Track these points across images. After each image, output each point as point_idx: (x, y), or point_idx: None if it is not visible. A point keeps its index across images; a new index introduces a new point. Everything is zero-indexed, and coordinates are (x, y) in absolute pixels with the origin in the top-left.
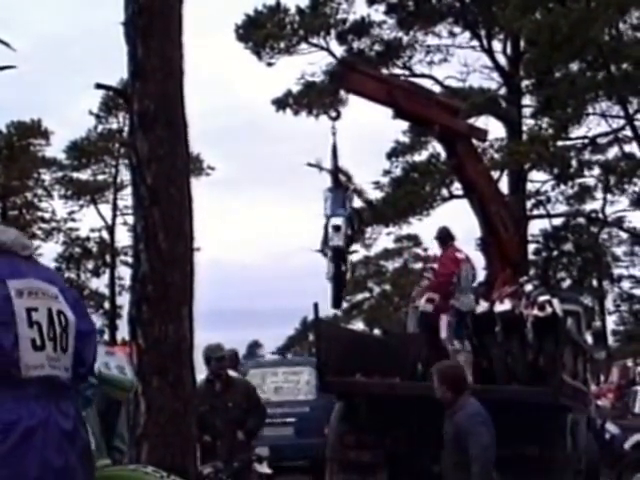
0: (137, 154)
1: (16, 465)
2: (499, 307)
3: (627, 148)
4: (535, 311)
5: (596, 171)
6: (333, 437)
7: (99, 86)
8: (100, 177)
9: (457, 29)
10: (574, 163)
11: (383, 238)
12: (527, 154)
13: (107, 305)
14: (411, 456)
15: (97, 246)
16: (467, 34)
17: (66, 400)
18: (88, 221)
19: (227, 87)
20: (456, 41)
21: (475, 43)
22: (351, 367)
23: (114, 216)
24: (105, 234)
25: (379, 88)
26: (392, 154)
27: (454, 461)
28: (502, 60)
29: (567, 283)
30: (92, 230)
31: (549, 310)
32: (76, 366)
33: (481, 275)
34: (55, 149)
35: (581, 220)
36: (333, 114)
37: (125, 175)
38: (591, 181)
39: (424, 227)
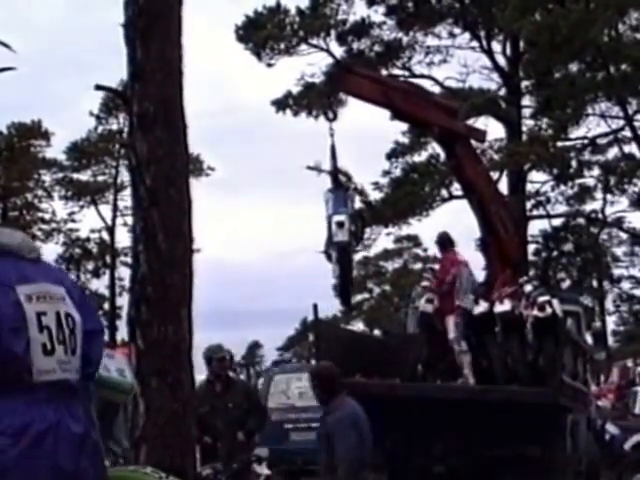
0: (136, 155)
1: (28, 469)
2: (499, 307)
3: (627, 149)
4: (535, 311)
5: (596, 171)
6: None
7: (98, 87)
8: (100, 178)
9: (457, 30)
10: (574, 163)
11: (383, 239)
12: (527, 155)
13: (107, 306)
14: (411, 457)
15: (97, 247)
16: (467, 35)
17: (76, 402)
18: (88, 222)
19: (227, 88)
20: (456, 42)
21: (475, 44)
22: (351, 368)
23: (114, 217)
24: (105, 235)
25: (376, 90)
26: (392, 155)
27: (326, 462)
28: (502, 61)
29: (567, 283)
30: (92, 231)
31: (549, 310)
32: (84, 366)
33: (481, 276)
34: (55, 150)
35: (581, 220)
36: (330, 115)
37: (125, 176)
38: (591, 181)
39: (424, 228)
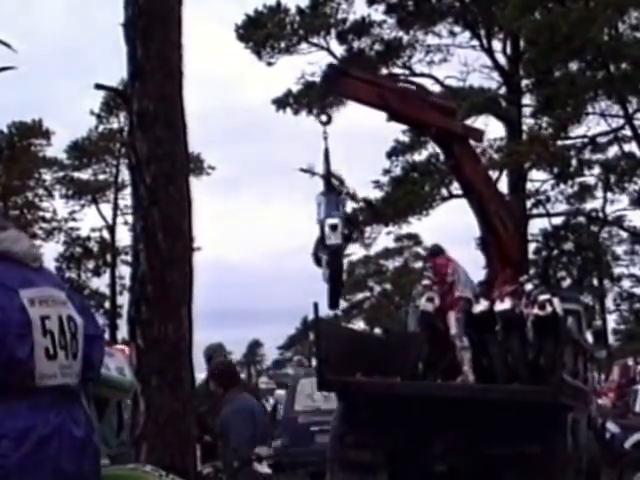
0: (136, 154)
1: (30, 474)
2: (499, 306)
3: (627, 147)
4: (535, 310)
5: (596, 170)
6: (333, 437)
7: (98, 86)
8: (101, 177)
9: (457, 29)
10: (574, 162)
11: (383, 237)
12: (526, 154)
13: (107, 305)
14: (411, 456)
15: (98, 246)
16: (467, 34)
17: (77, 406)
18: (89, 221)
19: (227, 87)
20: (456, 41)
21: (475, 43)
22: (351, 366)
23: (115, 216)
24: (106, 234)
25: (372, 92)
26: (392, 153)
27: (222, 452)
28: (502, 60)
29: (567, 282)
30: (93, 230)
31: (549, 309)
32: (85, 370)
33: (481, 274)
34: (56, 149)
35: (581, 219)
36: (324, 119)
37: (126, 175)
38: (591, 180)
39: (425, 226)
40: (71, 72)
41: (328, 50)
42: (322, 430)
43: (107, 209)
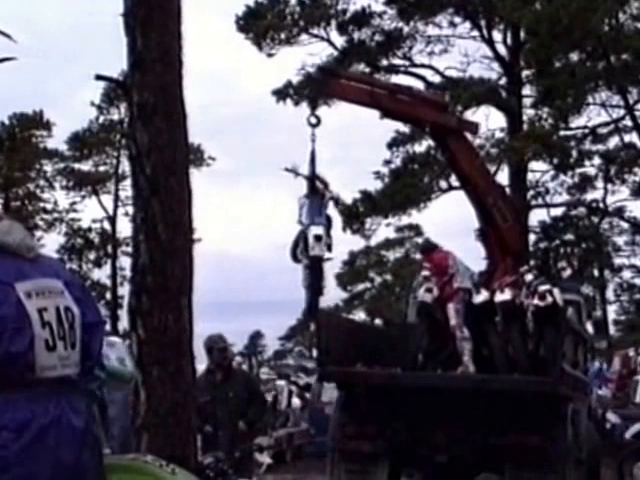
0: (136, 145)
1: (30, 464)
2: (499, 297)
3: (627, 138)
4: (536, 301)
5: (596, 161)
6: (334, 427)
7: (99, 77)
8: (102, 168)
9: (457, 19)
10: (574, 153)
11: (384, 228)
12: (525, 150)
13: (109, 296)
14: (412, 446)
15: (99, 237)
16: (467, 24)
17: (77, 396)
18: (90, 212)
19: (228, 78)
20: (456, 31)
21: (475, 33)
22: (352, 357)
23: (115, 207)
24: (107, 225)
25: (362, 92)
26: (392, 144)
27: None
28: (502, 50)
29: (568, 273)
30: (94, 221)
31: (550, 300)
32: (84, 360)
33: (482, 265)
34: (57, 140)
35: (582, 210)
36: (313, 121)
37: (126, 166)
38: (592, 171)
39: (426, 217)
40: (72, 63)
41: (328, 41)
42: None
43: (108, 200)
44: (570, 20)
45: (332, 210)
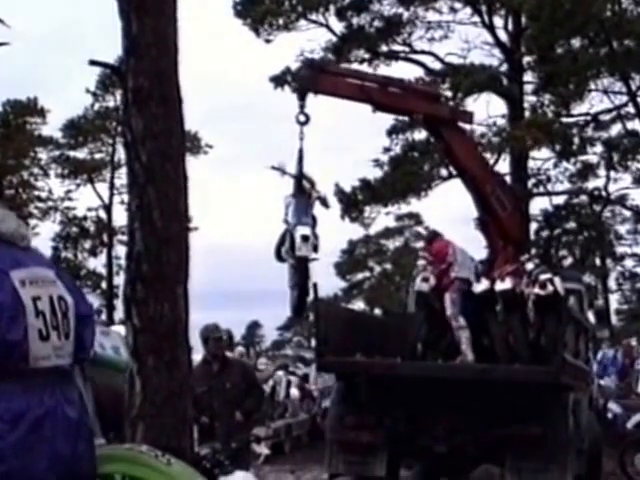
0: (131, 131)
1: (26, 456)
2: (500, 286)
3: (630, 125)
4: (537, 290)
5: (599, 148)
6: (333, 418)
7: (93, 62)
8: (97, 156)
9: (458, 5)
10: (576, 140)
11: (383, 217)
12: (525, 139)
13: (104, 285)
14: (411, 436)
15: (94, 225)
16: (468, 10)
17: (71, 387)
18: (85, 200)
19: (225, 64)
20: (457, 17)
21: (476, 19)
22: (351, 347)
23: (111, 195)
24: (102, 213)
25: (352, 86)
26: (392, 131)
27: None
28: (503, 36)
29: (569, 261)
30: (89, 209)
31: (550, 289)
32: (77, 350)
33: (483, 254)
34: (51, 127)
35: (584, 198)
36: (302, 119)
37: (122, 154)
38: (594, 158)
39: (426, 206)
40: (67, 49)
41: (327, 27)
42: None
43: (103, 188)
44: (572, 5)
45: (318, 208)
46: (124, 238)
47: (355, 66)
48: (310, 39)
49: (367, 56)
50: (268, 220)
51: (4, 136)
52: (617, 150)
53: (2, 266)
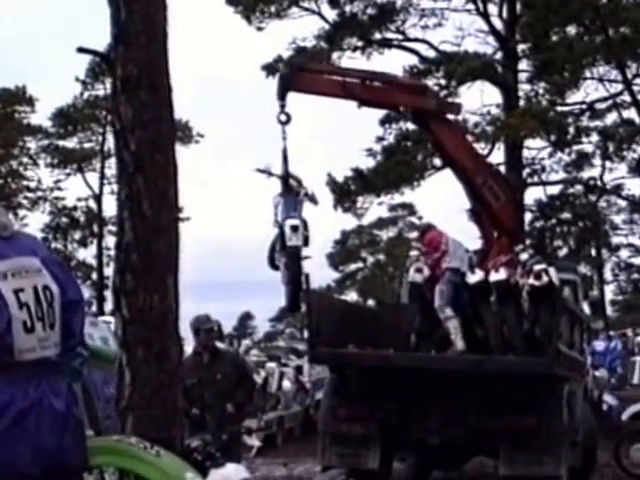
0: (120, 120)
1: (10, 448)
2: (494, 276)
3: (626, 114)
4: (531, 280)
5: (594, 137)
6: (325, 410)
7: (81, 50)
8: (87, 145)
9: None
10: (571, 130)
11: (377, 207)
12: (520, 128)
13: (95, 276)
14: (404, 428)
15: (84, 216)
16: None
17: (58, 378)
18: (75, 190)
19: (216, 52)
20: (451, 4)
21: (470, 6)
22: (343, 338)
23: (101, 185)
24: (92, 203)
25: (332, 84)
26: (385, 121)
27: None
28: (498, 24)
29: (564, 252)
30: (79, 199)
31: (545, 279)
32: (65, 339)
33: (477, 244)
34: (40, 116)
35: (579, 188)
36: (283, 118)
37: (112, 143)
38: (589, 148)
39: (419, 196)
40: (55, 37)
41: (319, 14)
42: None
43: (93, 178)
44: None
45: (307, 207)
46: (114, 228)
47: (348, 54)
48: (302, 27)
49: (360, 44)
50: (261, 211)
51: None
52: (613, 139)
53: None
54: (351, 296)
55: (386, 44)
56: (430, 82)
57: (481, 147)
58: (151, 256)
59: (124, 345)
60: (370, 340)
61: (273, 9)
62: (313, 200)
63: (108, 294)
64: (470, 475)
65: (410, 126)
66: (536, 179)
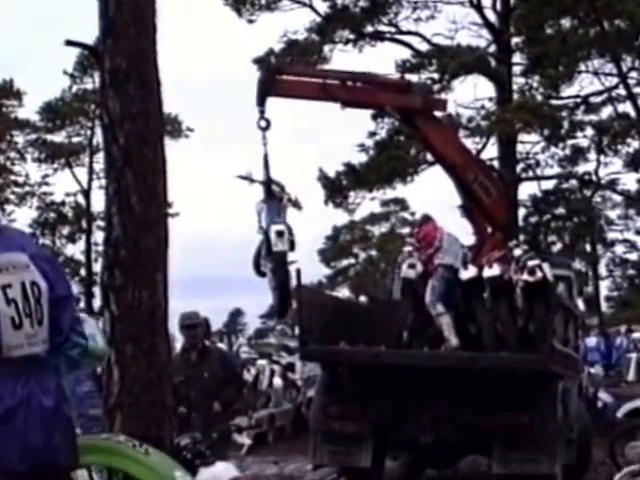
0: (108, 113)
1: None
2: (488, 272)
3: (621, 107)
4: (525, 276)
5: (589, 132)
6: (316, 408)
7: (69, 43)
8: (75, 139)
9: None
10: (566, 124)
11: (368, 202)
12: (514, 122)
13: (83, 272)
14: (397, 426)
15: (73, 211)
16: None
17: (47, 375)
18: (63, 185)
19: (206, 45)
20: None
21: None
22: (335, 335)
23: (90, 180)
24: (81, 199)
25: (312, 87)
26: (377, 115)
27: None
28: (492, 17)
29: (559, 247)
30: (67, 194)
31: (539, 275)
32: (53, 335)
33: (471, 240)
34: (28, 110)
35: (573, 183)
36: (263, 124)
37: (101, 137)
38: (584, 142)
39: (411, 191)
40: (43, 29)
41: (311, 7)
42: None
43: (82, 173)
44: None
45: (291, 210)
46: (103, 224)
47: (340, 47)
48: (294, 19)
49: (352, 37)
50: (251, 206)
51: None
52: (607, 133)
53: None
54: (343, 292)
55: (378, 37)
56: (423, 76)
57: (475, 142)
58: (140, 252)
59: (113, 342)
60: (362, 337)
61: (264, 1)
62: (297, 205)
63: (97, 290)
64: (464, 474)
65: None
66: (530, 174)
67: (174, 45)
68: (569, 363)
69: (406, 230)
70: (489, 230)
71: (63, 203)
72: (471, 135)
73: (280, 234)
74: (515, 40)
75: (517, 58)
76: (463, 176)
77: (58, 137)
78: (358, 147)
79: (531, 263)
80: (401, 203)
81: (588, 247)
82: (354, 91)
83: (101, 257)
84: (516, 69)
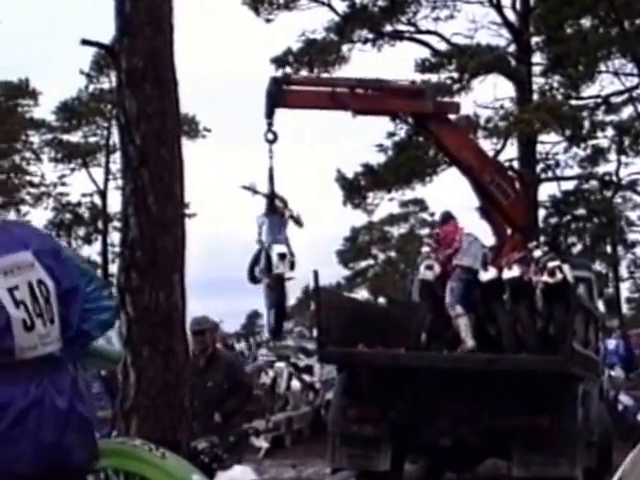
0: (125, 113)
1: (10, 449)
2: (507, 273)
3: None
4: (545, 277)
5: (609, 132)
6: (335, 410)
7: (85, 42)
8: (92, 139)
9: None
10: (586, 124)
11: (387, 203)
12: (535, 121)
13: (99, 273)
14: (416, 429)
15: (89, 212)
16: None
17: (62, 375)
18: (79, 186)
19: (223, 44)
20: None
21: None
22: (353, 337)
23: (106, 180)
24: (97, 199)
25: (321, 96)
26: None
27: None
28: (511, 16)
29: (579, 249)
30: (83, 195)
31: (559, 276)
32: (63, 330)
33: (491, 240)
34: (44, 110)
35: (594, 183)
36: (270, 137)
37: (118, 137)
38: (604, 142)
39: (431, 192)
40: (59, 29)
41: (329, 6)
42: None
43: (98, 173)
44: None
45: (292, 228)
46: (119, 225)
47: (359, 46)
48: (312, 19)
49: (371, 36)
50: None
51: None
52: (628, 134)
53: None
54: (361, 294)
55: (397, 36)
56: (442, 75)
57: (494, 142)
58: (157, 253)
59: (129, 344)
60: (380, 339)
61: (282, 0)
62: (298, 222)
63: (113, 292)
64: (483, 477)
65: None
66: (550, 174)
67: (191, 44)
68: (589, 365)
69: (425, 231)
70: (508, 231)
71: (79, 204)
72: (489, 136)
73: (282, 257)
74: (535, 40)
75: (537, 58)
76: (480, 178)
77: (74, 137)
78: (377, 148)
79: (551, 264)
80: (420, 204)
81: (609, 248)
82: (364, 99)
83: (117, 258)
84: (536, 69)
